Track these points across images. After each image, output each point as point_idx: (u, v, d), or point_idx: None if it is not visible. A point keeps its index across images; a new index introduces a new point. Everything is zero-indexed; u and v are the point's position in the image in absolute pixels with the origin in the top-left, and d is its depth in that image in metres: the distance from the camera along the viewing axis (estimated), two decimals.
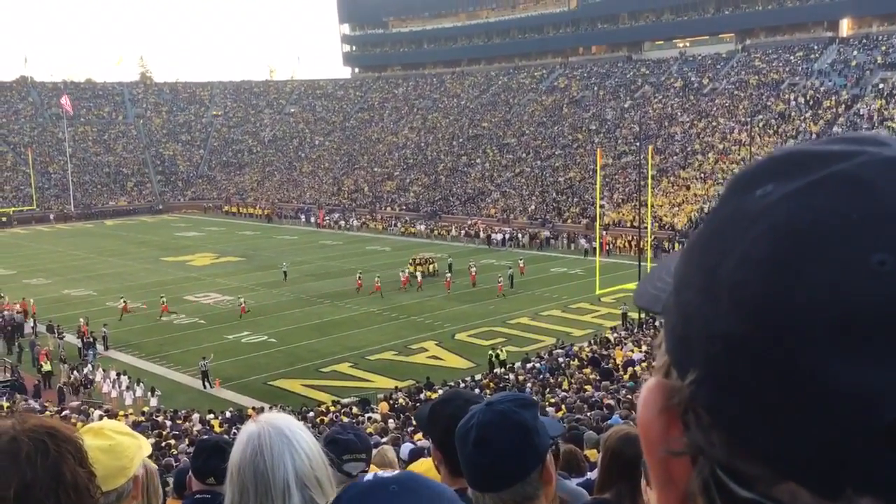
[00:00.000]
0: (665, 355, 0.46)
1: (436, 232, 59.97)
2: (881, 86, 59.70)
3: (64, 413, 22.91)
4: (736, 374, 0.39)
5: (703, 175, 57.62)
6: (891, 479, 0.35)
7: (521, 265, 42.67)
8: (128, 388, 26.62)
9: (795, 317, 0.37)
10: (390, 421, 18.94)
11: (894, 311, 0.35)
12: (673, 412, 0.45)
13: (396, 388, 25.21)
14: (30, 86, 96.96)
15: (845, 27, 69.35)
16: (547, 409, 17.26)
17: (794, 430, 0.37)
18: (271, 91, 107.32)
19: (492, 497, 1.82)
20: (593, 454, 7.19)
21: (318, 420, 19.65)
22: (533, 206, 62.60)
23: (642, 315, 30.64)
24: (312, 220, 69.40)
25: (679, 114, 68.23)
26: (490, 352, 27.99)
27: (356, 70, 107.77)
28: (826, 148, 0.43)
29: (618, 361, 24.43)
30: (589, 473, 5.01)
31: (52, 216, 75.38)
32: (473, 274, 40.36)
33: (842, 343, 0.36)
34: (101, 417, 21.97)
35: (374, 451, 5.63)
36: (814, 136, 57.45)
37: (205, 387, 26.65)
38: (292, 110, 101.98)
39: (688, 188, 56.50)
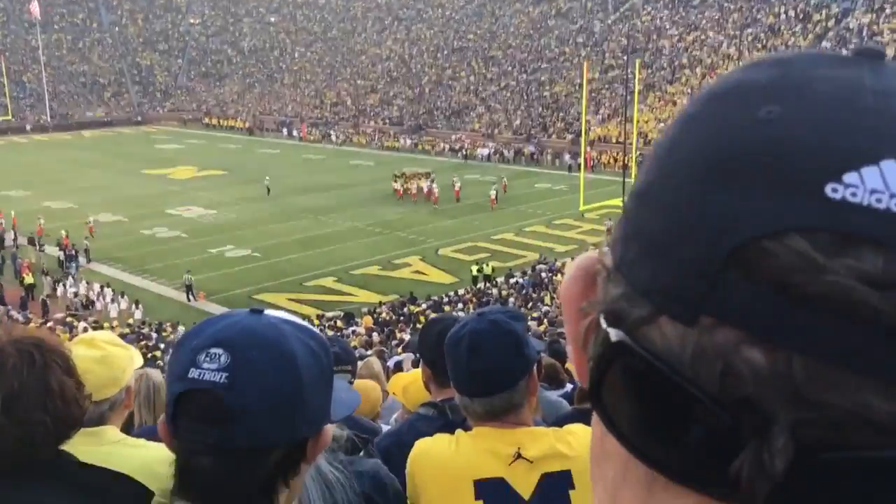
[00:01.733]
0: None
1: (420, 146, 59.50)
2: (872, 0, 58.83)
3: (48, 325, 23.05)
4: (635, 220, 0.42)
5: (690, 90, 57.12)
6: (740, 308, 0.36)
7: (504, 183, 42.31)
8: (112, 300, 26.72)
9: (686, 159, 0.40)
10: (374, 335, 19.21)
11: (764, 150, 0.37)
12: (589, 276, 0.46)
13: (381, 302, 25.47)
14: None
15: None
16: (529, 322, 17.56)
17: (668, 260, 0.38)
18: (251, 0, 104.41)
19: (480, 402, 1.86)
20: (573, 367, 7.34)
21: None
22: (518, 121, 62.07)
23: None
24: (295, 133, 68.56)
25: (668, 27, 67.12)
26: (474, 266, 28.19)
27: None
28: (783, 54, 0.44)
29: None
30: (569, 386, 5.14)
31: (28, 127, 73.98)
32: (458, 189, 40.26)
33: (714, 179, 0.38)
34: (85, 329, 22.13)
35: (360, 364, 5.73)
36: (803, 49, 56.78)
37: (188, 299, 26.80)
38: (273, 19, 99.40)
39: (675, 104, 56.10)
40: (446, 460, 1.85)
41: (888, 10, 56.75)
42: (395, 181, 41.03)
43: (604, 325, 0.41)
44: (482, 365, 1.83)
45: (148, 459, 1.85)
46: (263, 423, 1.04)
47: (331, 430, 1.16)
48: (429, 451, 1.89)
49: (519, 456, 1.79)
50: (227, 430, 1.03)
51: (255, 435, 1.04)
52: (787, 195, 0.36)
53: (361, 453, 1.81)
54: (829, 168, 0.35)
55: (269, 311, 1.14)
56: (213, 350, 1.05)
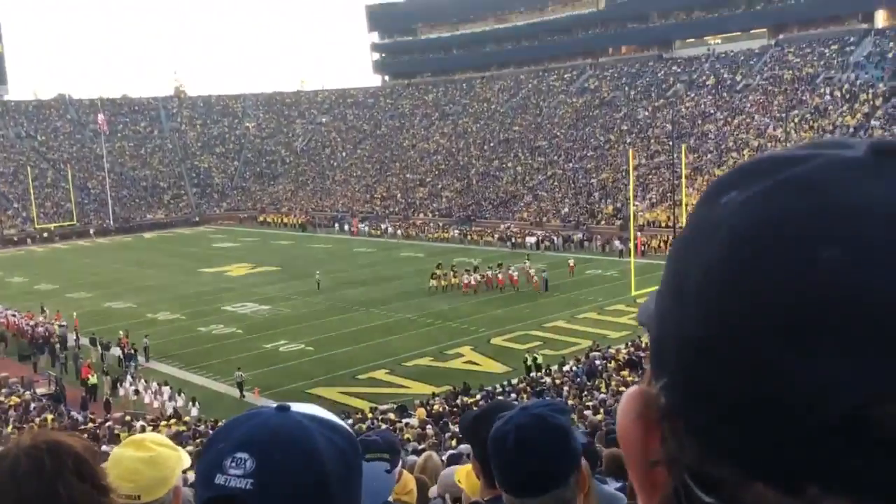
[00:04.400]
0: (648, 365, 0.47)
1: (469, 237, 59.96)
2: None
3: (107, 424, 23.31)
4: (703, 377, 0.40)
5: None
6: (849, 474, 0.35)
7: (571, 265, 43.50)
8: (169, 398, 26.97)
9: (751, 316, 0.38)
10: (428, 427, 18.95)
11: (839, 303, 0.36)
12: (650, 420, 0.45)
13: (433, 394, 25.23)
14: (67, 103, 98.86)
15: (881, 19, 68.14)
16: (585, 412, 17.17)
17: (756, 428, 0.37)
18: (303, 101, 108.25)
19: (532, 502, 1.80)
20: None
21: (356, 427, 19.72)
22: (566, 209, 62.33)
23: None
24: (346, 227, 69.81)
25: (712, 111, 67.51)
26: (526, 355, 27.89)
27: (386, 78, 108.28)
28: (788, 153, 0.44)
29: None
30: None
31: (91, 231, 76.72)
32: (514, 276, 40.36)
33: (793, 339, 0.37)
34: (143, 427, 22.30)
35: (424, 456, 5.65)
36: (851, 129, 56.51)
37: (241, 396, 26.90)
38: (324, 120, 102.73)
39: None
40: None
41: None
42: (433, 278, 40.90)
43: (694, 488, 0.41)
44: (531, 462, 1.78)
45: None
46: None
47: None
48: None
49: None
50: None
51: None
52: (878, 353, 0.35)
53: None
54: None
55: (295, 407, 1.13)
56: (238, 455, 1.04)
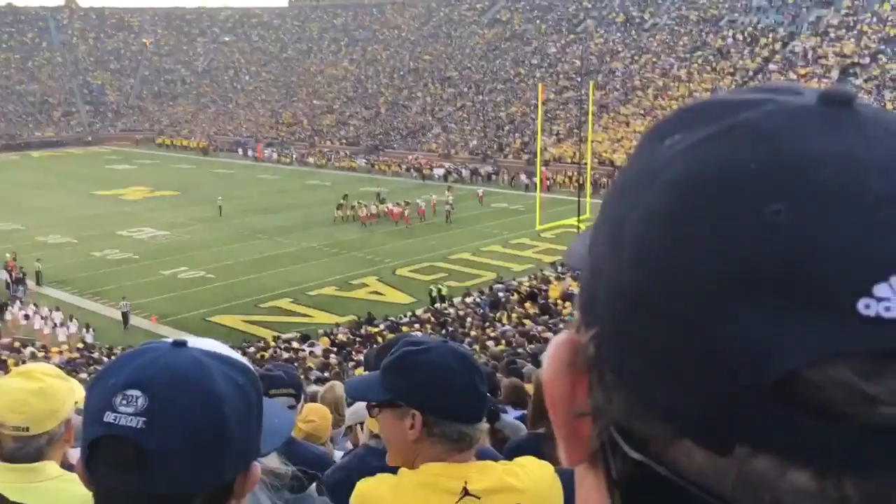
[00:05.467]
0: (578, 312, 0.45)
1: (376, 167, 59.47)
2: (816, 23, 60.61)
3: None
4: (635, 330, 0.39)
5: (643, 111, 58.10)
6: (781, 435, 0.34)
7: (480, 194, 45.11)
8: (61, 324, 26.10)
9: (690, 270, 0.37)
10: (331, 356, 19.03)
11: (785, 262, 0.35)
12: (578, 370, 0.44)
13: (337, 323, 25.27)
14: None
15: None
16: (487, 343, 17.56)
17: (688, 384, 0.36)
18: (204, 18, 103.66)
19: (479, 427, 1.84)
20: (532, 388, 7.34)
21: (258, 355, 19.62)
22: (475, 142, 62.44)
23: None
24: (250, 153, 68.05)
25: (620, 49, 68.30)
26: (431, 287, 28.17)
27: None
28: (736, 97, 0.42)
29: (555, 296, 24.86)
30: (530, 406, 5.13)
31: None
32: (422, 209, 40.44)
33: (733, 296, 0.35)
34: (32, 354, 21.57)
35: (325, 387, 5.65)
36: (750, 73, 58.30)
37: (125, 327, 26.13)
38: (227, 39, 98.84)
39: (627, 124, 56.98)
40: (388, 502, 1.77)
41: (832, 34, 58.51)
42: (339, 209, 40.56)
43: (621, 443, 0.40)
44: (483, 389, 1.81)
45: (87, 496, 1.79)
46: (185, 468, 0.99)
47: (259, 466, 1.10)
48: (369, 493, 1.82)
49: (466, 492, 1.73)
50: (146, 476, 0.98)
51: (175, 480, 0.99)
52: (819, 316, 0.34)
53: (310, 489, 1.74)
54: (858, 280, 0.34)
55: (193, 342, 1.08)
56: (129, 392, 1.00)
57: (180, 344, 1.06)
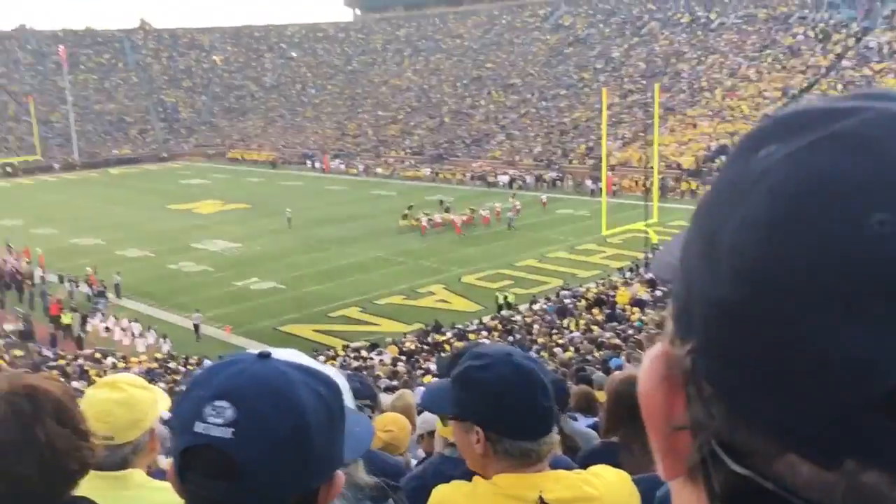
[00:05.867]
0: (671, 323, 0.45)
1: (441, 175, 59.71)
2: (892, 17, 58.53)
3: (78, 362, 23.26)
4: (734, 343, 0.38)
5: (710, 113, 56.98)
6: (891, 449, 0.34)
7: (544, 200, 45.41)
8: (140, 334, 26.90)
9: (792, 281, 0.36)
10: (399, 364, 19.14)
11: (890, 271, 0.34)
12: (675, 383, 0.43)
13: (405, 332, 25.43)
14: (28, 34, 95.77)
15: None
16: (555, 350, 17.42)
17: (793, 399, 0.36)
18: (272, 35, 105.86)
19: (546, 442, 1.80)
20: (602, 396, 7.26)
21: (327, 364, 19.86)
22: (538, 148, 62.17)
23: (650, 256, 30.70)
24: (317, 165, 69.13)
25: (686, 50, 67.16)
26: (497, 294, 28.11)
27: (357, 12, 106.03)
28: (832, 105, 0.41)
29: (623, 302, 24.53)
30: (602, 414, 5.07)
31: (56, 165, 75.17)
32: (486, 216, 40.54)
33: (839, 308, 0.34)
34: (113, 364, 22.29)
35: (395, 395, 5.70)
36: (823, 70, 56.61)
37: (197, 338, 26.74)
38: (293, 54, 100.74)
39: (695, 126, 55.93)
40: None
41: None
42: (403, 218, 40.84)
43: (723, 457, 0.40)
44: (548, 403, 1.78)
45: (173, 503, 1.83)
46: (273, 478, 1.02)
47: (342, 475, 1.12)
48: (444, 500, 1.83)
49: (542, 501, 1.72)
50: (235, 485, 1.00)
51: (264, 490, 1.01)
52: None
53: (390, 501, 1.75)
54: None
55: (277, 354, 1.12)
56: (218, 403, 1.03)
57: (265, 356, 1.09)
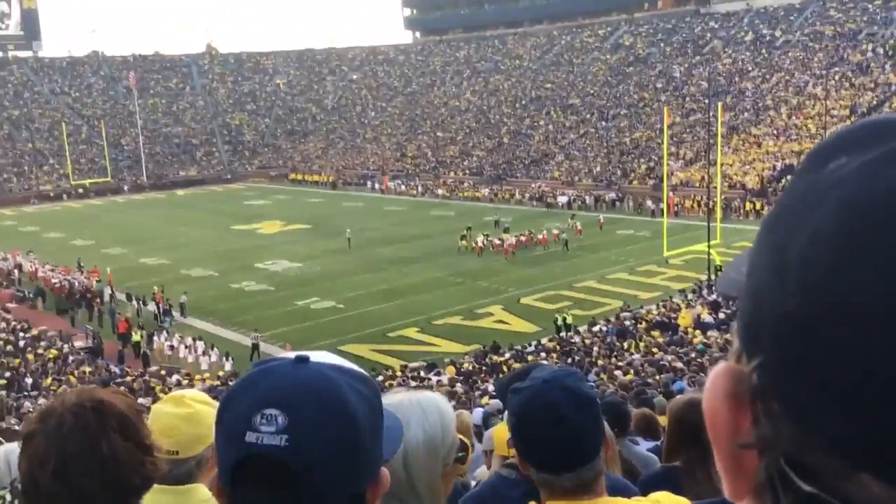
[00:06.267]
0: (737, 340, 0.44)
1: (499, 196, 59.72)
2: None
3: (145, 378, 23.83)
4: (805, 358, 0.37)
5: (775, 131, 55.85)
6: None
7: (601, 221, 44.77)
8: (203, 353, 27.43)
9: (865, 295, 0.35)
10: (457, 385, 19.11)
11: None
12: (741, 400, 0.42)
13: (463, 353, 25.40)
14: (101, 60, 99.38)
15: None
16: (615, 372, 17.19)
17: (866, 417, 0.34)
18: (333, 58, 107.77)
19: (570, 477, 1.74)
20: (664, 419, 7.15)
21: (386, 384, 19.94)
22: (598, 168, 61.74)
23: (713, 277, 30.11)
24: (377, 186, 69.86)
25: (750, 68, 66.08)
26: (556, 315, 27.90)
27: (417, 34, 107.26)
28: None
29: (685, 324, 24.10)
30: (664, 437, 4.98)
31: (126, 187, 77.59)
32: (544, 237, 40.40)
33: None
34: (178, 381, 22.76)
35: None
36: (893, 87, 55.04)
37: (252, 359, 27.04)
38: (354, 77, 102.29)
39: (759, 145, 54.88)
40: None
41: None
42: (462, 239, 40.87)
43: (792, 476, 0.39)
44: (570, 438, 1.72)
45: None
46: (329, 481, 1.01)
47: (388, 473, 1.12)
48: None
49: None
50: (293, 492, 0.99)
51: (321, 493, 1.00)
52: None
53: None
54: None
55: (314, 357, 1.10)
56: (268, 411, 1.01)
57: (303, 359, 1.08)
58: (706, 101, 55.08)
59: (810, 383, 0.37)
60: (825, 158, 0.42)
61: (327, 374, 1.06)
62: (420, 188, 65.96)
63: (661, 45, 76.45)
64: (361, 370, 1.13)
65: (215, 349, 27.51)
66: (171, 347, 28.72)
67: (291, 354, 1.10)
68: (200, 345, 27.85)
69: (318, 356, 1.11)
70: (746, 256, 0.47)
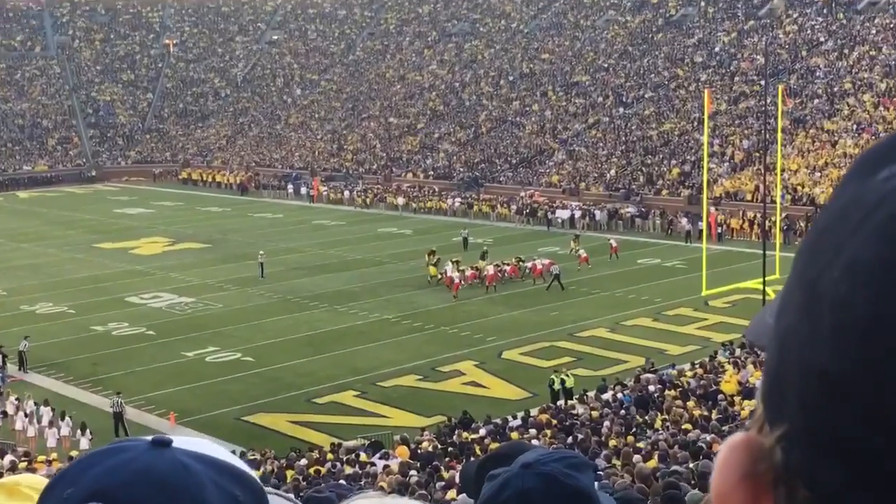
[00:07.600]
0: (760, 403, 0.46)
1: (476, 208, 59.91)
2: None
3: None
4: (837, 428, 0.38)
5: (857, 126, 56.88)
6: None
7: (614, 246, 44.73)
8: (50, 423, 27.02)
9: None
10: (412, 473, 19.04)
11: None
12: (760, 482, 0.44)
13: (422, 428, 25.34)
14: None
15: None
16: (633, 457, 17.24)
17: None
18: (245, 12, 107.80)
19: None
20: None
21: (310, 471, 19.80)
22: (613, 172, 62.32)
23: None
24: (303, 191, 69.78)
25: (823, 39, 67.34)
26: (552, 376, 27.97)
27: None
28: None
29: (730, 391, 24.32)
30: None
31: None
32: (536, 266, 40.53)
33: None
34: (12, 464, 22.35)
35: None
36: None
37: (117, 433, 26.68)
38: (274, 38, 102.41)
39: (833, 145, 55.84)
40: None
41: None
42: (431, 265, 40.84)
43: None
44: None
45: None
46: None
47: None
48: None
49: None
50: None
51: None
52: None
53: None
54: None
55: (179, 443, 1.10)
56: None
57: (161, 443, 1.07)
58: (762, 82, 56.00)
59: (844, 461, 0.38)
60: (874, 166, 0.44)
61: (186, 463, 1.05)
62: (364, 195, 66.02)
63: (702, 4, 77.67)
64: (245, 468, 1.12)
65: (68, 418, 27.13)
66: (4, 415, 28.24)
67: (149, 437, 1.09)
68: (46, 412, 27.43)
69: (186, 442, 1.11)
70: (780, 295, 0.48)
